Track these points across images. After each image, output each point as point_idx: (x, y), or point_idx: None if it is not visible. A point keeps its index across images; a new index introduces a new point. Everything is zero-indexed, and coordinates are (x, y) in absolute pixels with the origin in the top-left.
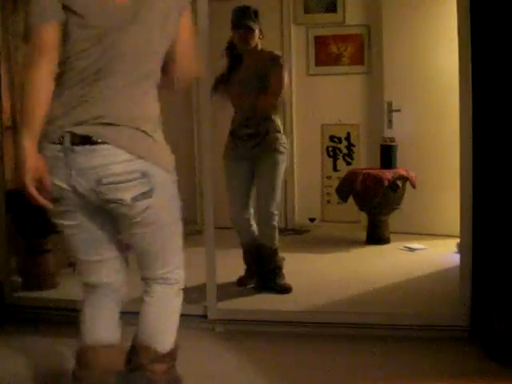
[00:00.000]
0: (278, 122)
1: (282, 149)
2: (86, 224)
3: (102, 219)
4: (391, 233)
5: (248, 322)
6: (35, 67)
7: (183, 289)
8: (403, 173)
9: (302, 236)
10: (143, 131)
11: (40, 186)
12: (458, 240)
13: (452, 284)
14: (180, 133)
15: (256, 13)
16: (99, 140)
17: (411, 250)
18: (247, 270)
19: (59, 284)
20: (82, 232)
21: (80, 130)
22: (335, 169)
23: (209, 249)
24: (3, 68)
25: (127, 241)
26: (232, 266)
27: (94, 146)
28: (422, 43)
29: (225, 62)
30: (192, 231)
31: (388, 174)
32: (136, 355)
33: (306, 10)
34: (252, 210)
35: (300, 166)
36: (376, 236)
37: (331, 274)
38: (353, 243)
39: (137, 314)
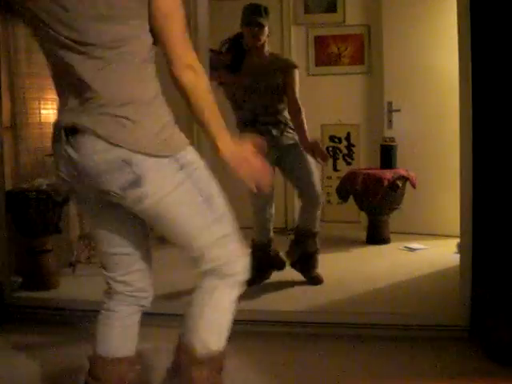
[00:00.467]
0: (288, 116)
1: (295, 136)
2: (101, 213)
3: (119, 210)
4: (391, 233)
5: (248, 321)
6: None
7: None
8: (403, 173)
9: None
10: (123, 117)
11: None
12: (458, 240)
13: (452, 284)
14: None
15: (266, 10)
16: (82, 129)
17: (411, 249)
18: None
19: (59, 284)
20: (101, 222)
21: (68, 121)
22: (335, 169)
23: None
24: (3, 68)
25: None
26: None
27: (79, 137)
28: (421, 43)
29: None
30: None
31: (388, 174)
32: (177, 356)
33: (306, 10)
34: (273, 211)
35: None
36: (376, 236)
37: (331, 274)
38: (353, 243)
39: (160, 315)
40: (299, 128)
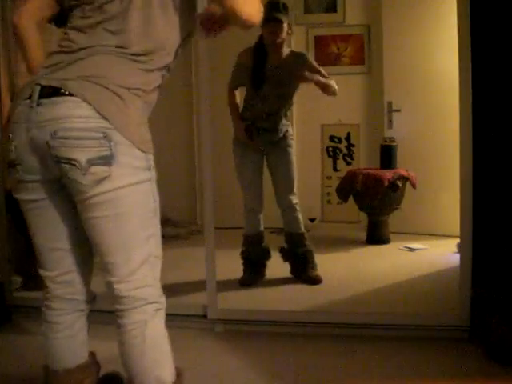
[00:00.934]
0: (288, 114)
1: (291, 142)
2: (46, 201)
3: (63, 200)
4: (391, 233)
5: (248, 321)
6: None
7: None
8: (403, 173)
9: None
10: (116, 93)
11: None
12: (458, 240)
13: (452, 284)
14: (180, 133)
15: (285, 6)
16: (67, 92)
17: (411, 250)
18: (247, 268)
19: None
20: (40, 209)
21: (49, 82)
22: (335, 169)
23: (209, 249)
24: (3, 68)
25: (85, 230)
26: (232, 265)
27: (59, 98)
28: (421, 43)
29: (248, 58)
30: (192, 231)
31: (388, 174)
32: None
33: (306, 10)
34: (262, 205)
35: (300, 166)
36: (376, 236)
37: (331, 274)
38: (353, 243)
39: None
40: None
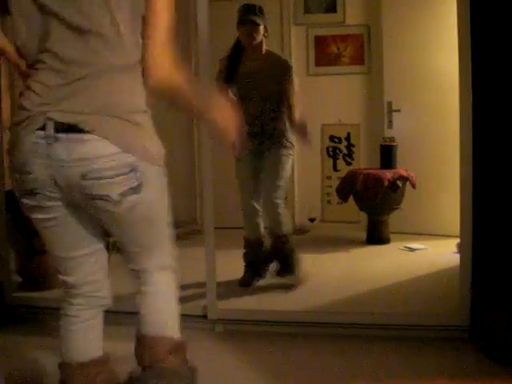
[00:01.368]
0: (285, 118)
1: (286, 143)
2: (63, 218)
3: (80, 214)
4: (391, 233)
5: (248, 321)
6: None
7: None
8: (403, 173)
9: (301, 236)
10: (131, 121)
11: None
12: (458, 240)
13: (452, 284)
14: (180, 133)
15: (261, 9)
16: (86, 129)
17: (411, 249)
18: (247, 269)
19: (59, 284)
20: (58, 226)
21: (63, 118)
22: (335, 169)
23: (209, 249)
24: (3, 69)
25: (117, 239)
26: (232, 266)
27: (79, 135)
28: (421, 43)
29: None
30: (192, 231)
31: (388, 174)
32: (149, 349)
33: (306, 10)
34: (260, 207)
35: (300, 166)
36: (376, 236)
37: (331, 274)
38: (353, 243)
39: (125, 313)
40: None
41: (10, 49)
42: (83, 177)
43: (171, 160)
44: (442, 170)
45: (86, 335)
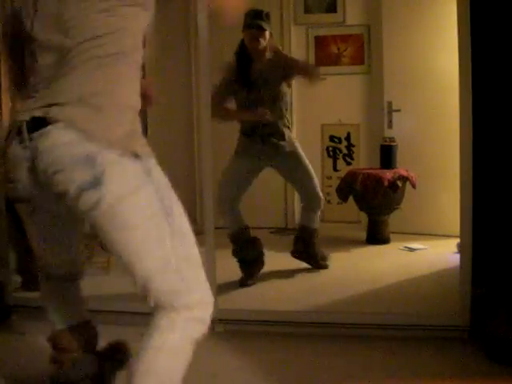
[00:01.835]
0: (288, 117)
1: (297, 143)
2: (57, 217)
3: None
4: (391, 233)
5: (248, 321)
6: None
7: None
8: (403, 173)
9: None
10: (95, 105)
11: None
12: (458, 240)
13: (452, 284)
14: (180, 133)
15: (268, 15)
16: (51, 120)
17: (411, 250)
18: (243, 269)
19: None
20: (46, 226)
21: (34, 114)
22: (335, 169)
23: (209, 249)
24: (3, 69)
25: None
26: (232, 266)
27: (44, 129)
28: (421, 43)
29: (232, 69)
30: (192, 231)
31: (388, 174)
32: None
33: (306, 10)
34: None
35: None
36: (376, 236)
37: (331, 274)
38: (353, 243)
39: (127, 313)
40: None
41: None
42: (45, 171)
43: (171, 160)
44: (442, 169)
45: (72, 299)
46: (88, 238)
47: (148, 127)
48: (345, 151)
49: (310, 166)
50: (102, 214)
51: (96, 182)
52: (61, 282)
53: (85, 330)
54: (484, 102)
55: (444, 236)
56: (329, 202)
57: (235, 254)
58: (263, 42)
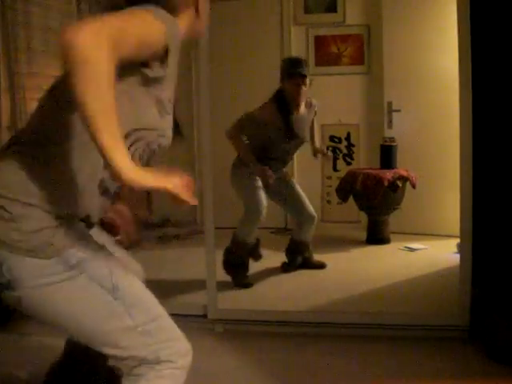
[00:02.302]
0: None
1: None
2: None
3: None
4: (391, 233)
5: (248, 321)
6: None
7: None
8: (403, 173)
9: None
10: (1, 207)
11: None
12: (458, 240)
13: (452, 284)
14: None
15: (306, 62)
16: None
17: (411, 250)
18: (235, 271)
19: None
20: None
21: None
22: (335, 169)
23: (209, 249)
24: (3, 68)
25: None
26: None
27: None
28: (422, 43)
29: (272, 114)
30: (192, 231)
31: (388, 174)
32: None
33: (306, 10)
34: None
35: (300, 167)
36: (376, 236)
37: (331, 274)
38: (353, 243)
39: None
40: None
41: None
42: None
43: (171, 160)
44: (442, 169)
45: None
46: None
47: None
48: (345, 151)
49: (297, 186)
50: (32, 310)
51: (8, 287)
52: None
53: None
54: (484, 101)
55: (444, 236)
56: (329, 202)
57: (233, 259)
58: (304, 88)
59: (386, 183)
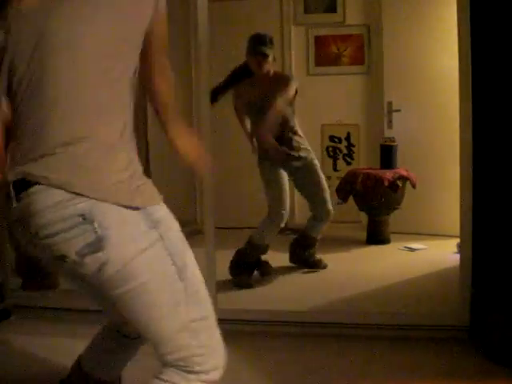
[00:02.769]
0: (297, 125)
1: (310, 154)
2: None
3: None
4: (391, 233)
5: (248, 321)
6: None
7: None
8: (403, 173)
9: None
10: (73, 154)
11: None
12: (458, 240)
13: (452, 284)
14: None
15: (272, 40)
16: (32, 181)
17: (411, 249)
18: (241, 270)
19: (59, 284)
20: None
21: (15, 175)
22: (335, 169)
23: (209, 249)
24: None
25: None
26: None
27: (28, 191)
28: (421, 43)
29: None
30: (192, 231)
31: (388, 174)
32: None
33: (306, 10)
34: None
35: None
36: (376, 236)
37: (331, 274)
38: (353, 243)
39: None
40: None
41: None
42: (36, 236)
43: (171, 160)
44: (442, 169)
45: (111, 357)
46: None
47: (148, 127)
48: (345, 151)
49: (322, 177)
50: (106, 279)
51: (98, 245)
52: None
53: None
54: (484, 101)
55: (444, 236)
56: None
57: (244, 259)
58: (267, 67)
59: (386, 183)
